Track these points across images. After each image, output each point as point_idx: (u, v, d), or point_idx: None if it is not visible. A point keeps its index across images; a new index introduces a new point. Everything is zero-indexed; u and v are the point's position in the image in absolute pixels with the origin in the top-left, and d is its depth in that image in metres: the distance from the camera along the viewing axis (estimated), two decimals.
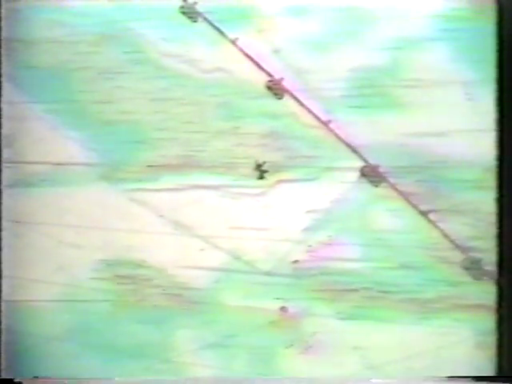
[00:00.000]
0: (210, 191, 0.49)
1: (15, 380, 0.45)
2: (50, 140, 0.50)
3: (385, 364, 0.45)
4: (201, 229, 0.49)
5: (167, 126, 0.49)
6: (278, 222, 0.47)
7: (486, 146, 0.42)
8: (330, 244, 0.46)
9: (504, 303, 0.39)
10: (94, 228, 0.50)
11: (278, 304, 0.47)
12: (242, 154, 0.48)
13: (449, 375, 0.44)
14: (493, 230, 0.43)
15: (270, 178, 0.47)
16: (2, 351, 0.47)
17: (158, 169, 0.49)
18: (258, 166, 0.47)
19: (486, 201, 0.42)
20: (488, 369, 0.43)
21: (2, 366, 0.47)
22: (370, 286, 0.45)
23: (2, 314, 0.47)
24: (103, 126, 0.50)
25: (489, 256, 0.43)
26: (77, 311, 0.48)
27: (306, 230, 0.47)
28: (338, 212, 0.46)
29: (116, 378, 0.48)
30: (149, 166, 0.49)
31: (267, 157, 0.47)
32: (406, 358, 0.45)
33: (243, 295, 0.48)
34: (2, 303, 0.47)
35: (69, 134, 0.50)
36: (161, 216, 0.49)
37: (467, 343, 0.43)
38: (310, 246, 0.46)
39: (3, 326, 0.46)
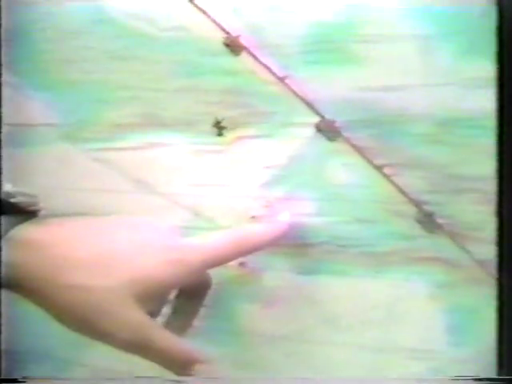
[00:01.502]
0: (170, 149, 0.50)
1: (17, 380, 0.46)
2: (14, 101, 0.51)
3: (341, 317, 0.47)
4: (162, 186, 0.50)
5: (129, 85, 0.50)
6: (236, 178, 0.48)
7: (440, 100, 0.43)
8: (288, 199, 0.47)
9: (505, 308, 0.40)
10: (59, 188, 0.52)
11: (237, 260, 0.48)
12: (201, 111, 0.49)
13: (451, 376, 0.46)
14: (446, 184, 0.43)
15: (229, 135, 0.48)
16: (2, 351, 0.49)
17: (120, 128, 0.50)
18: (217, 123, 0.48)
19: (440, 155, 0.43)
20: (439, 320, 0.44)
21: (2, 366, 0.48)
22: (328, 240, 0.46)
23: None
24: (66, 86, 0.51)
25: (441, 209, 0.43)
26: None
27: (264, 185, 0.48)
28: (295, 167, 0.47)
29: (116, 378, 0.50)
30: (111, 125, 0.50)
31: (226, 113, 0.48)
32: (362, 311, 0.46)
33: None
34: None
35: (32, 94, 0.51)
36: (123, 174, 0.50)
37: (421, 295, 0.44)
38: (267, 201, 0.47)
39: None
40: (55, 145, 0.53)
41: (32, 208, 0.38)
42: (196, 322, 0.47)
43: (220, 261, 0.39)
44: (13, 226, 0.36)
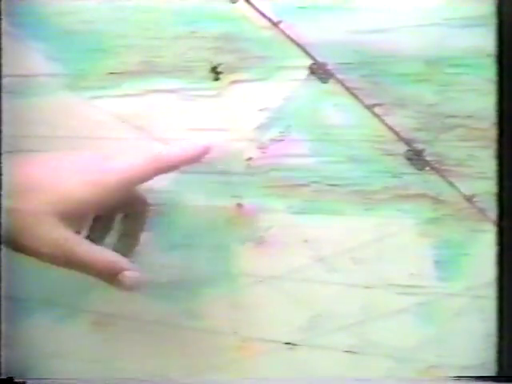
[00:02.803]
0: (168, 95, 0.51)
1: (16, 380, 0.48)
2: (15, 52, 0.52)
3: (332, 256, 0.48)
4: (161, 132, 0.51)
5: (127, 33, 0.51)
6: (232, 121, 0.50)
7: (428, 41, 0.44)
8: (281, 140, 0.49)
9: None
10: (61, 137, 0.53)
11: (234, 201, 0.49)
12: (197, 58, 0.50)
13: (451, 375, 0.48)
14: (434, 122, 0.45)
15: (225, 80, 0.50)
16: (2, 351, 0.49)
17: (119, 76, 0.52)
18: (213, 68, 0.50)
19: (428, 93, 0.44)
20: (428, 255, 0.46)
21: (2, 366, 0.49)
22: (319, 180, 0.48)
23: None
24: (65, 37, 0.52)
25: (430, 147, 0.45)
26: None
27: (259, 128, 0.49)
28: (289, 109, 0.49)
29: (117, 378, 0.51)
30: (110, 73, 0.52)
31: (222, 59, 0.50)
32: (352, 249, 0.47)
33: (201, 195, 0.50)
34: None
35: (33, 45, 0.52)
36: (123, 121, 0.52)
37: (410, 232, 0.46)
38: (262, 143, 0.49)
39: None
40: (55, 94, 0.54)
41: None
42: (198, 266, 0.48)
43: (136, 180, 0.43)
44: None
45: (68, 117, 0.53)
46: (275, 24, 0.49)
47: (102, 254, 0.42)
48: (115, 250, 0.46)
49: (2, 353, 0.49)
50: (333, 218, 0.49)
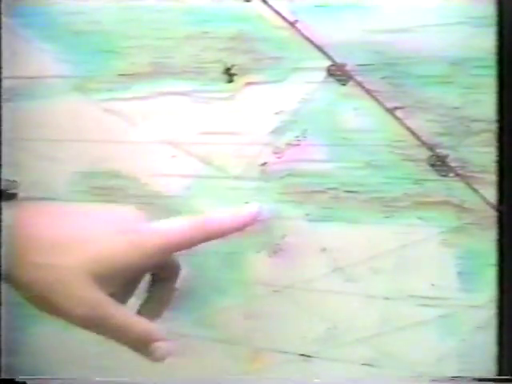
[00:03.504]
0: (180, 97, 0.50)
1: (16, 380, 0.47)
2: (24, 54, 0.51)
3: (351, 265, 0.47)
4: (172, 136, 0.50)
5: (137, 34, 0.50)
6: (246, 125, 0.49)
7: (452, 40, 0.43)
8: (298, 145, 0.47)
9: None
10: (70, 140, 0.52)
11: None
12: (210, 59, 0.49)
13: (450, 375, 0.47)
14: (458, 126, 0.43)
15: (239, 81, 0.48)
16: (2, 351, 0.49)
17: (128, 77, 0.51)
18: (227, 70, 0.48)
19: (451, 96, 0.43)
20: (451, 266, 0.44)
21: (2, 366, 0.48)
22: (338, 187, 0.46)
23: None
24: (74, 37, 0.51)
25: (454, 152, 0.43)
26: None
27: (274, 131, 0.48)
28: (306, 113, 0.47)
29: (117, 378, 0.50)
30: (120, 74, 0.50)
31: (236, 60, 0.48)
32: (371, 259, 0.46)
33: (215, 200, 0.49)
34: None
35: (41, 46, 0.51)
36: (133, 124, 0.50)
37: (432, 241, 0.44)
38: (278, 148, 0.47)
39: None
40: (64, 96, 0.53)
41: (10, 191, 0.39)
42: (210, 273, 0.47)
43: (181, 246, 0.40)
44: None
45: (77, 119, 0.52)
46: (291, 23, 0.48)
47: (138, 321, 0.39)
48: (140, 313, 0.43)
49: (7, 357, 0.49)
50: (351, 226, 0.47)
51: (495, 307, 0.45)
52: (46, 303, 0.36)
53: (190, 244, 0.41)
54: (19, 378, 0.48)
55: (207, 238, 0.42)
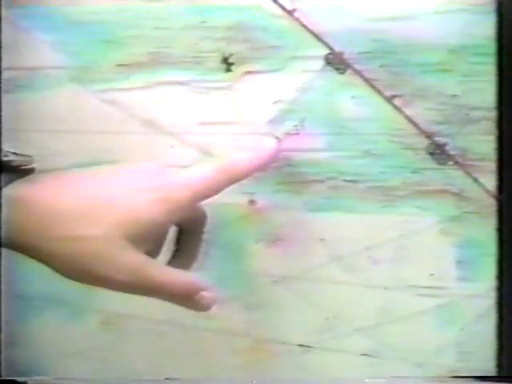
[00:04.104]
0: (178, 87, 0.50)
1: (17, 380, 0.47)
2: (22, 45, 0.51)
3: (349, 255, 0.47)
4: (171, 126, 0.50)
5: (134, 24, 0.50)
6: (245, 114, 0.49)
7: (451, 28, 0.42)
8: (296, 134, 0.47)
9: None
10: (69, 131, 0.52)
11: (246, 198, 0.48)
12: (208, 48, 0.49)
13: (450, 375, 0.47)
14: (457, 114, 0.43)
15: (237, 71, 0.48)
16: (2, 351, 0.49)
17: (127, 67, 0.51)
18: (225, 59, 0.48)
19: (450, 84, 0.42)
20: (450, 255, 0.44)
21: (2, 366, 0.48)
22: (336, 176, 0.46)
23: None
24: (72, 28, 0.51)
25: (453, 141, 0.43)
26: None
27: (273, 121, 0.48)
28: (304, 102, 0.47)
29: (117, 379, 0.50)
30: (118, 65, 0.50)
31: (234, 49, 0.48)
32: (370, 248, 0.46)
33: None
34: None
35: (40, 37, 0.51)
36: (132, 115, 0.50)
37: (431, 230, 0.44)
38: (276, 137, 0.47)
39: None
40: (63, 87, 0.53)
41: (26, 167, 0.39)
42: (206, 263, 0.47)
43: (209, 192, 0.39)
44: (6, 184, 0.36)
45: (76, 110, 0.52)
46: (289, 12, 0.48)
47: (179, 275, 0.39)
48: (171, 265, 0.43)
49: (8, 351, 0.49)
50: (350, 215, 0.47)
51: (494, 297, 0.45)
52: (85, 274, 0.36)
53: (217, 190, 0.39)
54: (19, 378, 0.48)
55: (233, 181, 0.41)
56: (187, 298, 0.39)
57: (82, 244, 0.35)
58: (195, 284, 0.40)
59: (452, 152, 0.45)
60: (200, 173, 0.39)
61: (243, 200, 0.49)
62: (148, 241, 0.38)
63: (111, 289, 0.37)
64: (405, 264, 0.47)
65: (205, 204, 0.48)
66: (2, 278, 0.45)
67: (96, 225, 0.35)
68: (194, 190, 0.38)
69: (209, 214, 0.48)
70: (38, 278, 0.52)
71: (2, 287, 0.48)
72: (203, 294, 0.40)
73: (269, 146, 0.44)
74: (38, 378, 0.50)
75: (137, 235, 0.36)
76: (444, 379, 0.46)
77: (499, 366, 0.45)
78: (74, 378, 0.51)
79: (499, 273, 0.45)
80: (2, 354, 0.49)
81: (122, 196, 0.36)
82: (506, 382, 0.45)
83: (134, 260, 0.36)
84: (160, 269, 0.39)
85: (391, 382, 0.48)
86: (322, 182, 0.48)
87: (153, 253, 0.41)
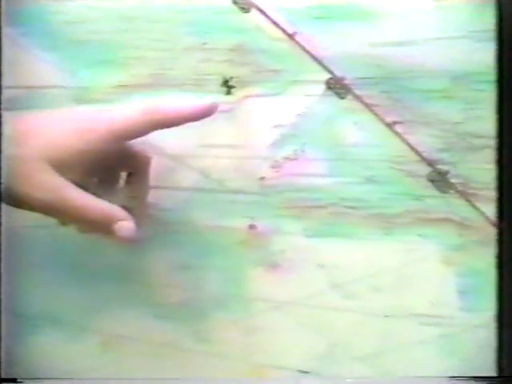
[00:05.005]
0: None
1: (17, 380, 0.48)
2: (24, 63, 0.51)
3: (349, 282, 0.47)
4: (170, 148, 0.50)
5: (136, 44, 0.50)
6: (245, 138, 0.48)
7: (454, 55, 0.42)
8: (296, 159, 0.47)
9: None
10: None
11: (246, 222, 0.48)
12: (209, 70, 0.49)
13: (450, 375, 0.46)
14: (459, 142, 0.43)
15: (237, 94, 0.48)
16: (2, 351, 0.49)
17: (128, 88, 0.51)
18: (226, 82, 0.48)
19: (453, 111, 0.42)
20: (452, 283, 0.44)
21: (2, 366, 0.49)
22: (337, 202, 0.46)
23: None
24: (74, 47, 0.51)
25: (455, 169, 0.43)
26: (52, 236, 0.50)
27: (273, 145, 0.48)
28: (304, 126, 0.47)
29: (117, 379, 0.51)
30: (119, 85, 0.51)
31: (234, 72, 0.48)
32: (370, 276, 0.46)
33: (213, 214, 0.49)
34: None
35: (41, 56, 0.51)
36: None
37: (433, 258, 0.44)
38: (276, 161, 0.47)
39: None
40: (63, 107, 0.53)
41: None
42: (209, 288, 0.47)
43: (131, 132, 0.42)
44: None
45: None
46: (290, 35, 0.48)
47: (97, 202, 0.41)
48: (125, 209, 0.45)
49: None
50: (350, 242, 0.47)
51: (495, 326, 0.45)
52: (13, 194, 0.39)
53: (140, 130, 0.42)
54: (19, 378, 0.49)
55: (158, 125, 0.43)
56: (105, 226, 0.41)
57: (11, 163, 0.39)
58: (114, 212, 0.42)
59: (454, 180, 0.44)
60: (123, 111, 0.42)
61: (243, 224, 0.49)
62: (72, 169, 0.40)
63: (32, 209, 0.40)
64: (406, 292, 0.46)
65: (204, 226, 0.49)
66: (2, 296, 0.45)
67: (23, 146, 0.39)
68: (114, 126, 0.41)
69: (209, 235, 0.49)
70: (36, 296, 0.52)
71: (2, 305, 0.48)
72: (121, 223, 0.41)
73: (205, 101, 0.45)
74: (37, 378, 0.50)
75: (57, 161, 0.39)
76: (444, 379, 0.46)
77: (499, 366, 0.46)
78: (74, 378, 0.51)
79: (499, 301, 0.44)
80: (2, 354, 0.50)
81: (50, 125, 0.41)
82: (505, 382, 0.45)
83: (54, 180, 0.39)
84: (80, 193, 0.41)
85: (391, 382, 0.47)
86: (322, 207, 0.48)
87: (78, 184, 0.43)
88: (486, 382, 0.44)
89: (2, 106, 0.49)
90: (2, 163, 0.41)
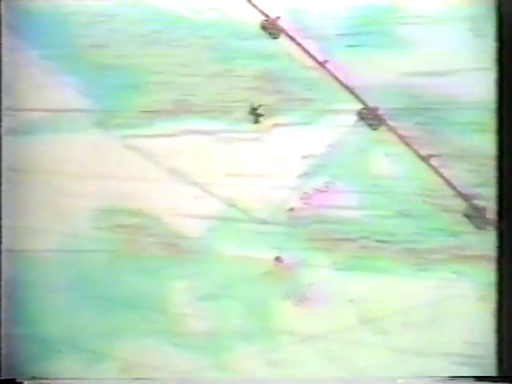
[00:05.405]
0: (204, 136, 0.49)
1: (16, 380, 0.47)
2: (48, 86, 0.51)
3: (381, 318, 0.45)
4: (195, 176, 0.50)
5: (161, 69, 0.50)
6: (273, 168, 0.48)
7: (490, 86, 0.41)
8: (327, 191, 0.46)
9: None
10: (91, 176, 0.52)
11: (273, 253, 0.48)
12: (236, 98, 0.48)
13: (450, 375, 0.45)
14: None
15: (266, 122, 0.47)
16: (2, 351, 0.49)
17: (152, 114, 0.50)
18: (253, 110, 0.47)
19: (490, 145, 0.41)
20: (488, 322, 0.43)
21: (2, 366, 0.48)
22: (368, 235, 0.45)
23: (2, 264, 0.48)
24: (98, 71, 0.51)
25: (492, 204, 0.41)
26: (75, 261, 0.49)
27: (302, 176, 0.47)
28: (335, 157, 0.46)
29: (117, 379, 0.50)
30: (143, 111, 0.50)
31: (262, 100, 0.47)
32: (403, 312, 0.45)
33: (238, 244, 0.49)
34: (3, 254, 0.48)
35: (65, 79, 0.51)
36: (155, 163, 0.50)
37: (467, 296, 0.43)
38: (305, 193, 0.47)
39: (3, 276, 0.48)
40: (86, 131, 0.53)
41: None
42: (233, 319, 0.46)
43: None
44: None
45: (98, 155, 0.52)
46: (321, 63, 0.47)
47: None
48: None
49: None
50: (381, 277, 0.46)
51: None
52: None
53: None
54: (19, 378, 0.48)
55: None
56: None
57: None
58: None
59: (490, 216, 0.43)
60: None
61: (270, 255, 0.48)
62: None
63: None
64: (439, 330, 0.45)
65: (228, 256, 0.48)
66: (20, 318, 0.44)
67: None
68: None
69: (235, 266, 0.48)
70: (56, 320, 0.51)
71: (19, 328, 0.48)
72: None
73: None
74: (37, 378, 0.49)
75: None
76: (444, 379, 0.45)
77: (499, 366, 0.44)
78: (74, 378, 0.50)
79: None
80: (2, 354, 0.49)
81: None
82: (505, 382, 0.44)
83: None
84: None
85: (391, 382, 0.46)
86: (352, 240, 0.47)
87: None
88: (486, 382, 0.43)
89: (25, 129, 0.49)
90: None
